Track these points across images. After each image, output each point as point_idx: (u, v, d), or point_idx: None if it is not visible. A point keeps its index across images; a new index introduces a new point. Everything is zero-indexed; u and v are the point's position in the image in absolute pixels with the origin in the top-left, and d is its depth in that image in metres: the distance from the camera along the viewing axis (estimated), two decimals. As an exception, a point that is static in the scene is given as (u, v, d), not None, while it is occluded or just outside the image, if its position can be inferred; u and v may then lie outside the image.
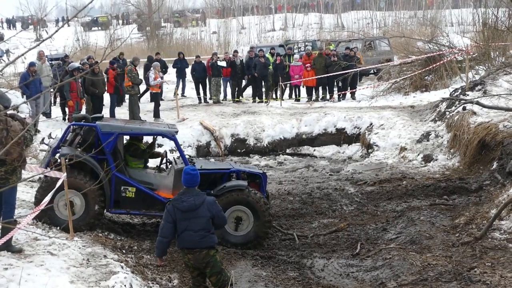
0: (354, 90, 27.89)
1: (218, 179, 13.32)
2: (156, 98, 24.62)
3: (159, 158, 14.60)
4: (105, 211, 12.76)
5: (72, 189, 11.75)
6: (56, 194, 11.56)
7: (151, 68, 24.75)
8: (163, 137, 14.15)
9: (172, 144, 16.97)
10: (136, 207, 12.91)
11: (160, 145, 19.90)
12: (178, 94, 25.62)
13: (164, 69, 29.54)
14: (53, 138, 13.57)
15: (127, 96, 24.86)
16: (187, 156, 13.68)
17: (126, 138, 14.19)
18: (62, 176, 11.11)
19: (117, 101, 24.75)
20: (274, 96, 28.35)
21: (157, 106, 24.49)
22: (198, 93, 28.49)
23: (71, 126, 13.13)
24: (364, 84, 31.06)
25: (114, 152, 12.85)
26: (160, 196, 12.91)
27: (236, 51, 30.33)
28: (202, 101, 28.17)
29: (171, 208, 8.89)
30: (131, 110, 23.16)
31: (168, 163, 14.33)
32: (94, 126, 12.69)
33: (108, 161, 12.50)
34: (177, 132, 13.45)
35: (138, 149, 13.87)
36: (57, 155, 12.39)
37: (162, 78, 24.57)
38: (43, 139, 13.94)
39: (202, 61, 28.76)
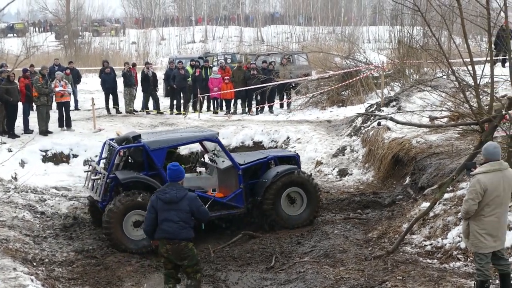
0: (272, 103, 28.01)
1: (258, 168, 14.36)
2: (61, 107, 23.76)
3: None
4: None
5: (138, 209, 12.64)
6: (126, 215, 12.59)
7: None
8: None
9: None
10: None
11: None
12: (95, 104, 25.14)
13: (77, 78, 29.06)
14: (92, 161, 13.71)
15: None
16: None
17: None
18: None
19: (30, 110, 24.00)
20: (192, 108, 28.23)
21: (61, 116, 23.73)
22: (107, 104, 27.84)
23: (119, 151, 13.25)
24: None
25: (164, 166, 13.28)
26: (216, 197, 13.75)
27: (148, 63, 30.02)
28: (113, 112, 27.62)
29: (154, 198, 9.44)
30: (39, 120, 22.57)
31: (199, 164, 15.30)
32: (142, 145, 13.19)
33: (162, 176, 12.94)
34: (218, 134, 14.39)
35: (174, 154, 14.49)
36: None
37: (63, 86, 23.67)
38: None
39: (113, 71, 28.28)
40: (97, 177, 13.39)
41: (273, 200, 13.87)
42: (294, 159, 15.00)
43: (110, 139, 14.74)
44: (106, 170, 13.38)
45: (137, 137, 13.54)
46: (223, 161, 14.35)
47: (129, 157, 13.57)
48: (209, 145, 15.03)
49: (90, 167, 14.53)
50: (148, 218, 9.51)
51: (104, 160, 14.40)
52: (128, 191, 12.80)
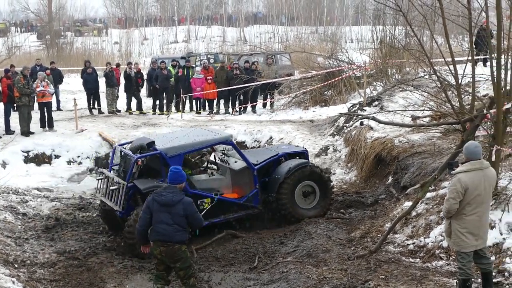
0: (255, 103, 27.99)
1: (270, 166, 14.60)
2: (42, 108, 23.65)
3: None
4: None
5: None
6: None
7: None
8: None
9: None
10: (216, 215, 13.64)
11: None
12: (77, 104, 25.03)
13: (59, 78, 28.92)
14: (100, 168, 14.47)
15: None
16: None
17: None
18: None
19: (12, 110, 23.84)
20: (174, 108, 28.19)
21: (43, 117, 23.63)
22: (89, 105, 27.79)
23: (137, 160, 13.14)
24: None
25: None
26: (232, 199, 14.00)
27: (130, 63, 29.93)
28: (95, 112, 27.53)
29: (150, 199, 9.48)
30: (20, 121, 22.44)
31: (209, 163, 15.42)
32: (158, 153, 13.20)
33: None
34: (232, 136, 14.63)
35: (188, 159, 14.41)
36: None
37: (44, 86, 23.50)
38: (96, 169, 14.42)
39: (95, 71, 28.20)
40: (115, 187, 13.21)
41: (288, 195, 14.13)
42: (303, 155, 15.27)
43: (120, 145, 14.90)
44: (118, 176, 13.47)
45: (151, 144, 13.49)
46: (235, 162, 14.55)
47: (146, 165, 13.47)
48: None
49: (102, 174, 14.34)
50: (142, 218, 9.55)
51: (115, 167, 14.45)
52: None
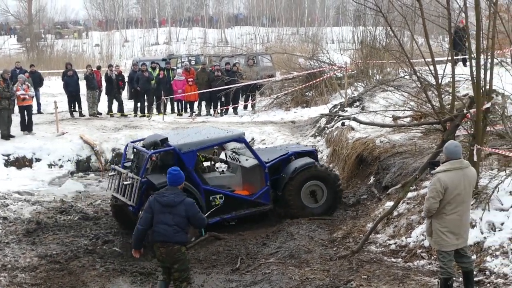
0: (236, 105, 27.99)
1: (280, 164, 14.84)
2: (23, 111, 23.51)
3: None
4: None
5: None
6: None
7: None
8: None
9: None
10: (227, 211, 13.97)
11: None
12: (58, 107, 24.91)
13: (39, 81, 28.77)
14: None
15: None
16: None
17: None
18: None
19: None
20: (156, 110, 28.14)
21: (23, 120, 23.49)
22: (70, 107, 27.65)
23: (151, 156, 13.38)
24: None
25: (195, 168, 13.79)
26: (242, 195, 14.41)
27: (111, 65, 29.85)
28: (76, 115, 27.35)
29: (152, 200, 9.50)
30: (0, 125, 22.28)
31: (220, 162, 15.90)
32: (172, 149, 13.42)
33: (192, 178, 13.35)
34: (244, 133, 14.83)
35: (198, 162, 14.67)
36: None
37: (24, 90, 23.35)
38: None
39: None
40: (128, 182, 13.44)
41: (294, 194, 14.41)
42: (312, 154, 15.51)
43: (132, 142, 15.16)
44: (132, 172, 13.65)
45: (164, 141, 13.72)
46: (246, 159, 14.84)
47: (159, 161, 13.68)
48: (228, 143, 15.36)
49: (114, 170, 14.66)
50: (143, 217, 9.55)
51: (128, 163, 14.61)
52: None
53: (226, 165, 15.91)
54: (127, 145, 15.21)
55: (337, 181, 15.04)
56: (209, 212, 12.35)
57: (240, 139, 14.49)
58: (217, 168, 15.89)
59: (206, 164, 15.58)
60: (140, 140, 15.18)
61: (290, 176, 14.38)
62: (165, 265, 9.64)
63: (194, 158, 13.71)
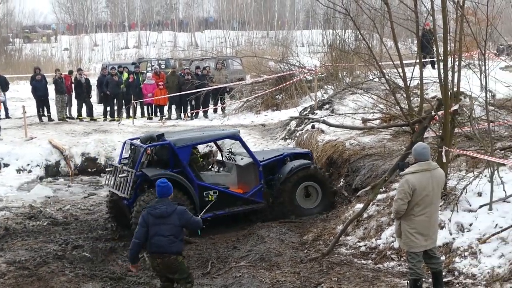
0: (206, 108, 27.95)
1: (275, 165, 15.06)
2: None
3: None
4: None
5: None
6: None
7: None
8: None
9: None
10: (220, 208, 14.06)
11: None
12: (26, 112, 24.67)
13: (5, 85, 28.57)
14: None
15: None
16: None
17: None
18: None
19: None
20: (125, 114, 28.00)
21: None
22: (39, 112, 27.43)
23: (147, 149, 13.72)
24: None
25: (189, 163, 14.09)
26: (237, 193, 14.60)
27: (80, 69, 29.65)
28: (45, 119, 27.16)
29: (145, 214, 9.45)
30: None
31: (216, 162, 16.09)
32: (167, 143, 13.66)
33: (186, 173, 13.68)
34: (239, 132, 15.21)
35: (194, 154, 14.91)
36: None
37: None
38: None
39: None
40: (123, 174, 13.59)
41: (289, 194, 14.62)
42: (307, 156, 15.72)
43: (130, 139, 15.35)
44: (130, 167, 13.77)
45: (160, 136, 13.95)
46: (241, 159, 15.06)
47: (154, 155, 13.96)
48: (224, 144, 15.69)
49: (112, 166, 14.89)
50: (139, 231, 9.48)
51: (125, 160, 14.73)
52: (153, 188, 12.69)
53: (222, 166, 16.04)
54: (125, 142, 15.47)
55: (332, 183, 15.38)
56: (203, 211, 12.32)
57: (235, 136, 14.77)
58: (213, 168, 16.07)
59: (202, 164, 15.76)
60: (137, 138, 15.39)
61: (287, 176, 14.62)
62: (162, 274, 9.63)
63: (189, 153, 13.93)
